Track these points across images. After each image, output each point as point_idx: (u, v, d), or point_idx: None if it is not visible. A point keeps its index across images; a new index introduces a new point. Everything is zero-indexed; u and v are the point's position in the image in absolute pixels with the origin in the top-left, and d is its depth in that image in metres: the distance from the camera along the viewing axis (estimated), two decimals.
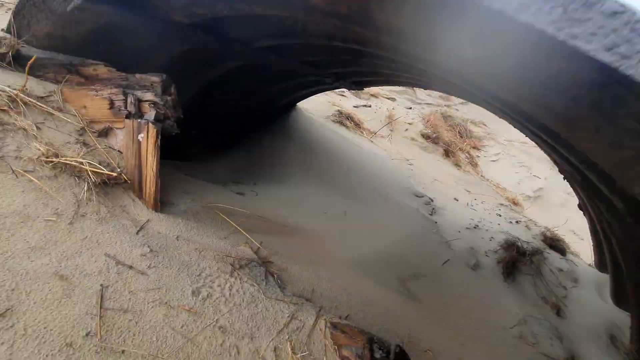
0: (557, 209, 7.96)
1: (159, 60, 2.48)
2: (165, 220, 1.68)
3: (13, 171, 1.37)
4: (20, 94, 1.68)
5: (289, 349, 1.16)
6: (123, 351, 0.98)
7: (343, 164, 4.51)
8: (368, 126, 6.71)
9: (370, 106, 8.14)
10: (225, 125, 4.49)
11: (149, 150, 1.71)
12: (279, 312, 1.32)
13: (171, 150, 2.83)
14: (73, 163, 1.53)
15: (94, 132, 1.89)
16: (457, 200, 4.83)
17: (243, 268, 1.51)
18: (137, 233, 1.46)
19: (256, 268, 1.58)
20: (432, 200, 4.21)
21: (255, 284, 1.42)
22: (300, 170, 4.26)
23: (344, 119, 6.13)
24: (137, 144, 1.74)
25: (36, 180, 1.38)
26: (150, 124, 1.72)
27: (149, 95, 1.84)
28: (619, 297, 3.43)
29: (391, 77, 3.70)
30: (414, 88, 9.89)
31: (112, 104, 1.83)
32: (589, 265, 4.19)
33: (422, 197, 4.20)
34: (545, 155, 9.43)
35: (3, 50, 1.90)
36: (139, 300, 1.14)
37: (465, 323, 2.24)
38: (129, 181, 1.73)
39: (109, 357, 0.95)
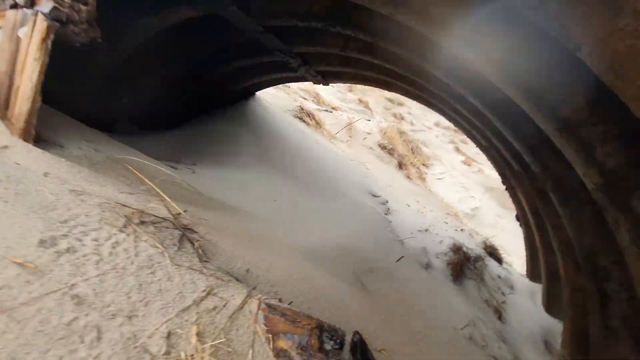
0: (488, 228, 8.64)
1: None
2: (34, 154, 1.14)
3: None
4: None
5: (193, 335, 0.74)
6: None
7: (300, 156, 4.19)
8: (328, 128, 6.56)
9: (331, 112, 8.12)
10: (166, 100, 3.87)
11: (30, 52, 1.17)
12: (188, 284, 0.89)
13: (94, 119, 2.23)
14: None
15: None
16: (409, 206, 4.82)
17: (146, 225, 1.05)
18: None
19: (167, 230, 1.12)
20: (387, 202, 4.09)
21: (159, 246, 0.97)
22: (253, 156, 3.82)
23: (304, 115, 5.88)
24: (15, 44, 1.19)
25: None
26: (40, 15, 1.20)
27: None
28: (550, 305, 3.60)
29: (362, 70, 3.53)
30: (371, 108, 10.41)
31: None
32: (522, 275, 4.42)
33: (379, 197, 4.06)
34: (480, 179, 10.37)
35: None
36: None
37: (419, 322, 2.00)
38: None
39: None
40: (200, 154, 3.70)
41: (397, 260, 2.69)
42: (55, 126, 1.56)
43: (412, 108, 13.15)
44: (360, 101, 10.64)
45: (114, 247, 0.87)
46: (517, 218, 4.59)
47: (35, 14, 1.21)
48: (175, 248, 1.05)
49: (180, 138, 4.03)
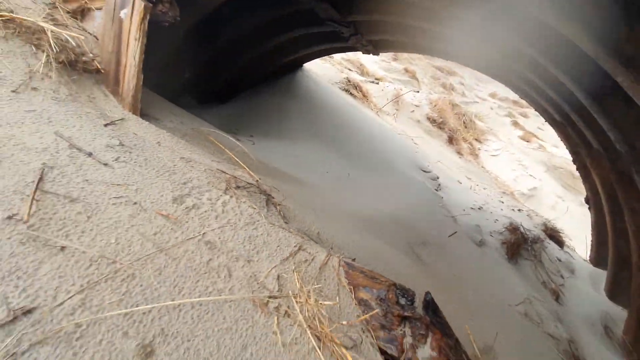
0: (547, 210, 7.98)
1: None
2: (145, 126, 1.33)
3: None
4: None
5: (296, 280, 0.88)
6: (63, 248, 0.67)
7: (348, 129, 4.19)
8: (375, 100, 6.36)
9: (377, 83, 7.79)
10: (222, 74, 4.05)
11: (132, 32, 1.33)
12: (283, 240, 1.03)
13: (161, 94, 2.43)
14: (32, 25, 1.14)
15: (68, 13, 1.48)
16: (461, 183, 4.64)
17: (240, 189, 1.20)
18: (105, 125, 1.12)
19: (256, 194, 1.27)
20: (437, 177, 3.98)
21: (255, 207, 1.11)
22: (303, 128, 3.92)
23: (351, 87, 5.76)
24: (118, 25, 1.36)
25: None
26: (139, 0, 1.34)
27: None
28: (614, 292, 3.36)
29: (419, 39, 3.32)
30: (418, 78, 9.66)
31: None
32: (584, 260, 4.12)
33: (429, 172, 3.96)
34: (541, 157, 9.43)
35: None
36: (97, 192, 0.82)
37: (472, 295, 2.03)
38: (103, 71, 1.36)
39: (39, 251, 0.64)
40: (255, 127, 3.89)
41: (450, 235, 2.68)
42: (148, 101, 1.76)
43: (465, 77, 12.05)
44: (407, 71, 9.99)
45: (224, 206, 1.02)
46: (587, 201, 4.19)
47: None
48: (265, 210, 1.19)
49: (235, 111, 4.24)
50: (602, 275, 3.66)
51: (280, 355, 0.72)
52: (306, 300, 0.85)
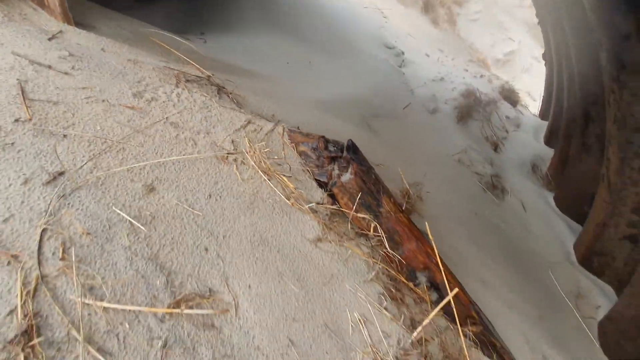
0: (522, 74, 8.11)
1: None
2: (84, 35, 1.40)
3: None
4: None
5: (247, 142, 1.21)
6: (65, 135, 0.95)
7: (308, 14, 3.90)
8: None
9: None
10: None
11: None
12: (234, 117, 1.32)
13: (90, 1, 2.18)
14: None
15: None
16: (428, 56, 4.65)
17: (191, 82, 1.40)
18: (49, 40, 1.22)
19: (207, 86, 1.48)
20: (402, 53, 4.00)
21: (206, 95, 1.35)
22: (259, 19, 3.65)
23: None
24: None
25: None
26: None
27: None
28: (550, 138, 3.96)
29: None
30: None
31: None
32: (534, 114, 4.60)
33: (393, 48, 3.95)
34: (525, 16, 8.82)
35: None
36: (69, 96, 1.04)
37: (416, 152, 2.50)
38: None
39: (50, 139, 0.92)
40: (207, 23, 3.61)
41: (405, 108, 2.99)
42: (78, 10, 1.71)
43: None
44: None
45: (178, 97, 1.26)
46: (544, 56, 4.35)
47: None
48: (217, 97, 1.43)
49: (181, 6, 3.83)
50: (545, 126, 4.19)
51: (242, 185, 1.11)
52: (254, 152, 1.20)
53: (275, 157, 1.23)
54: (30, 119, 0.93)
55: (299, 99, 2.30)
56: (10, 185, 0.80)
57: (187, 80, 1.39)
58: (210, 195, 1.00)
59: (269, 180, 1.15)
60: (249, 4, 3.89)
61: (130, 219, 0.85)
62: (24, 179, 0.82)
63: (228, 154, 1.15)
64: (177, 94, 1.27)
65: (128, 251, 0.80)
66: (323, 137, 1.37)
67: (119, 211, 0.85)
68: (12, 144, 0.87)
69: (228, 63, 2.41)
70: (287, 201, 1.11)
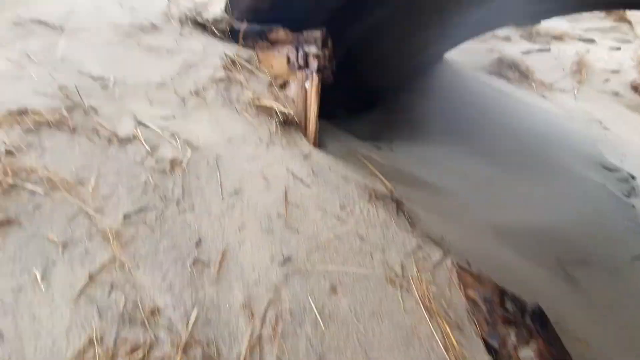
0: None
1: (318, 17, 2.89)
2: (321, 155, 2.11)
3: (236, 110, 2.07)
4: (237, 58, 2.41)
5: (415, 269, 1.35)
6: (298, 230, 1.45)
7: (495, 123, 3.93)
8: (541, 77, 5.29)
9: (549, 50, 6.14)
10: (367, 85, 4.70)
11: (312, 97, 2.13)
12: (406, 239, 1.52)
13: (323, 111, 3.31)
14: (268, 106, 2.13)
15: (278, 84, 2.49)
16: None
17: (378, 199, 1.76)
18: (304, 160, 1.95)
19: (389, 204, 1.80)
20: (632, 178, 3.15)
21: (388, 214, 1.65)
22: (440, 129, 4.03)
23: (504, 68, 5.06)
24: (304, 92, 2.20)
25: (248, 117, 2.04)
26: (313, 74, 2.12)
27: (313, 49, 2.23)
28: None
29: None
30: (632, 23, 6.47)
31: (288, 60, 2.34)
32: None
33: (616, 171, 3.20)
34: None
35: (223, 26, 2.71)
36: (305, 202, 1.59)
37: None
38: (298, 122, 2.25)
39: (290, 231, 1.44)
40: (395, 131, 4.34)
41: (635, 258, 2.26)
42: (320, 131, 2.61)
43: None
44: (613, 16, 6.91)
45: (367, 212, 1.62)
46: None
47: (311, 73, 2.13)
48: (396, 215, 1.71)
49: (378, 117, 4.81)
50: None
51: (402, 315, 1.24)
52: (420, 284, 1.32)
53: (440, 294, 1.29)
54: (285, 215, 1.50)
55: (474, 220, 2.27)
56: (263, 261, 1.30)
57: (376, 197, 1.76)
58: (373, 313, 1.19)
59: (429, 319, 1.21)
60: (432, 113, 4.37)
61: (317, 313, 1.15)
62: (270, 258, 1.32)
63: (396, 276, 1.33)
64: (368, 209, 1.64)
65: (308, 341, 1.07)
66: (500, 288, 1.31)
67: (312, 303, 1.18)
68: (272, 230, 1.43)
69: (408, 174, 2.77)
70: (446, 355, 1.11)
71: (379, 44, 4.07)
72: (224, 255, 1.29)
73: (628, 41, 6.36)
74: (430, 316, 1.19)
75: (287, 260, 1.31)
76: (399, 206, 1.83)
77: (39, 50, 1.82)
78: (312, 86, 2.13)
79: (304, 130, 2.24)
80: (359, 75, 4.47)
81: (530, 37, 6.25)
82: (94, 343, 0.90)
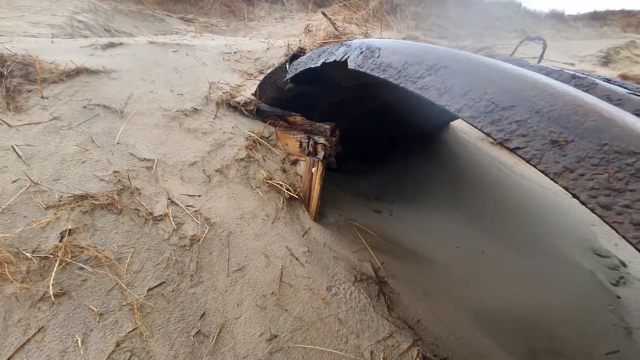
0: None
1: (325, 104, 3.38)
2: (319, 230, 2.41)
3: (251, 187, 2.45)
4: (258, 137, 2.85)
5: (382, 356, 1.55)
6: (286, 309, 1.70)
7: (492, 196, 4.12)
8: None
9: None
10: (375, 141, 5.10)
11: (317, 180, 2.49)
12: (380, 326, 1.72)
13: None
14: (277, 184, 2.49)
15: (290, 162, 2.89)
16: None
17: (362, 282, 1.99)
18: (302, 236, 2.24)
19: (372, 285, 2.02)
20: (623, 265, 3.21)
21: (368, 298, 1.88)
22: (440, 197, 4.26)
23: None
24: (310, 174, 2.57)
25: (260, 194, 2.40)
26: (319, 162, 2.50)
27: (321, 139, 2.63)
28: None
29: None
30: None
31: (301, 144, 2.75)
32: None
33: (607, 257, 3.27)
34: None
35: (252, 107, 3.22)
36: (298, 282, 1.86)
37: None
38: (303, 198, 2.59)
39: (280, 310, 1.69)
40: (398, 193, 4.60)
41: (608, 354, 2.31)
42: (322, 198, 2.93)
43: None
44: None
45: (350, 295, 1.86)
46: None
47: (318, 160, 2.50)
48: (376, 299, 1.92)
49: (384, 176, 5.11)
50: None
51: None
52: None
53: None
54: (278, 294, 1.76)
55: (457, 300, 2.42)
56: (253, 336, 1.55)
57: (360, 280, 2.00)
58: None
59: None
60: (434, 179, 4.61)
61: None
62: (260, 333, 1.56)
63: None
64: (351, 292, 1.88)
65: None
66: None
67: None
68: (265, 307, 1.69)
69: (402, 245, 2.98)
70: None
71: (385, 118, 4.53)
72: (222, 328, 1.55)
73: None
74: None
75: (273, 337, 1.55)
76: (381, 288, 2.05)
77: (102, 132, 2.31)
78: (317, 171, 2.50)
79: (307, 205, 2.57)
80: (368, 133, 4.89)
81: None
82: None
